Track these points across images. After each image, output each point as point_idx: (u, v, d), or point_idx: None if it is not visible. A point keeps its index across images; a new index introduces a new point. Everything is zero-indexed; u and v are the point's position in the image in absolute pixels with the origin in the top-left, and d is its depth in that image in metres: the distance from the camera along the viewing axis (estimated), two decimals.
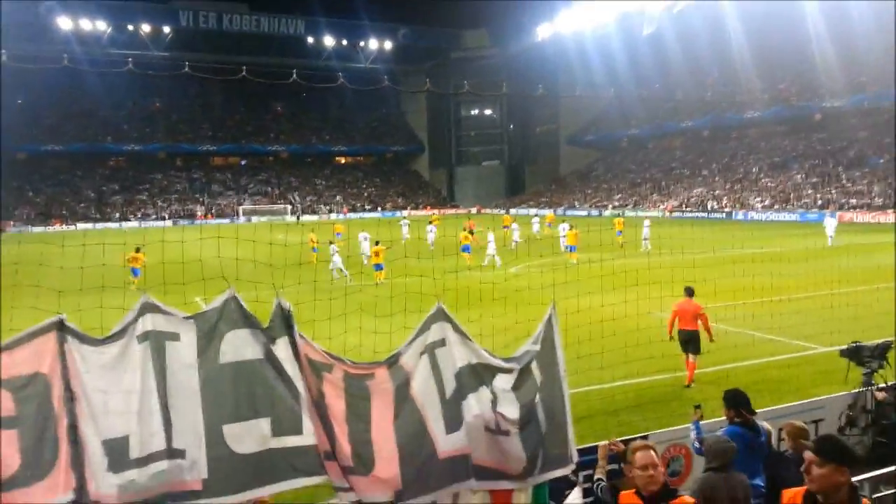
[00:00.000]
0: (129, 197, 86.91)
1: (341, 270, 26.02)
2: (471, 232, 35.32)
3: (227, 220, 79.17)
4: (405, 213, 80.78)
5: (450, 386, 4.49)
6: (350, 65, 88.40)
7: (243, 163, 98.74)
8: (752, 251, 20.66)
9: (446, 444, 4.41)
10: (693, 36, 75.06)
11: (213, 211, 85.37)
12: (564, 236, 32.76)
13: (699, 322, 11.51)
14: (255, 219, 79.98)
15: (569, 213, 72.12)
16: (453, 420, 4.45)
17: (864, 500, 3.49)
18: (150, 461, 3.82)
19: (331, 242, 27.70)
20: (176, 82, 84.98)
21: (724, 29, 71.74)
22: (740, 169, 72.11)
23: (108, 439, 3.75)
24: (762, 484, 5.53)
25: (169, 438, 3.87)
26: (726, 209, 63.49)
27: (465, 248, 29.00)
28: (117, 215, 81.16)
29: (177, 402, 3.92)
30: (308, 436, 4.16)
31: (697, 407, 6.50)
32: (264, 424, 4.07)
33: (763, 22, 71.86)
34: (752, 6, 69.30)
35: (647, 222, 34.82)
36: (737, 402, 5.95)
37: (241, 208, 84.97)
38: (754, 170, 70.36)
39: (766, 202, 62.09)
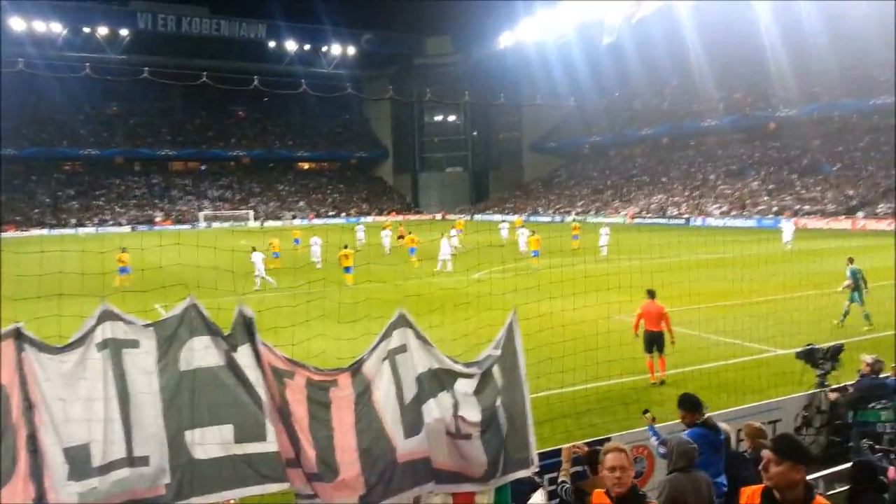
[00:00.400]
0: (86, 202, 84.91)
1: (265, 279, 25.30)
2: (400, 237, 36.96)
3: (187, 226, 77.85)
4: (366, 219, 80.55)
5: (410, 391, 4.52)
6: (312, 69, 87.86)
7: (203, 168, 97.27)
8: (709, 256, 21.08)
9: (405, 447, 4.44)
10: (651, 46, 76.53)
11: (172, 217, 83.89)
12: (526, 242, 33.35)
13: (663, 323, 11.97)
14: (216, 224, 78.84)
15: (532, 219, 72.70)
16: (412, 424, 4.48)
17: (819, 496, 3.62)
18: (112, 468, 3.79)
19: (253, 249, 25.95)
20: (134, 86, 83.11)
21: (682, 39, 73.25)
22: (698, 176, 73.66)
23: (69, 447, 3.70)
24: (724, 482, 5.69)
25: (130, 446, 3.85)
26: (685, 215, 64.73)
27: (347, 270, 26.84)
28: (73, 221, 79.18)
29: (137, 409, 3.89)
30: (271, 443, 4.15)
31: (646, 412, 6.63)
32: (227, 431, 4.05)
33: (719, 32, 73.69)
34: (710, 17, 70.97)
35: (605, 230, 35.38)
36: (694, 405, 6.11)
37: (201, 214, 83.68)
38: (712, 177, 71.94)
39: (724, 208, 63.48)
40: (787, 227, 36.65)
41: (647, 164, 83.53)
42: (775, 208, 58.45)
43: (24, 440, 3.63)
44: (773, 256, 19.73)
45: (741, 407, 8.24)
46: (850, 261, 16.67)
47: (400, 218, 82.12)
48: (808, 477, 3.72)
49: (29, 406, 3.66)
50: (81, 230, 74.07)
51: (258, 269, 25.36)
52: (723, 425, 6.38)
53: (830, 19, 60.88)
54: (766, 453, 3.64)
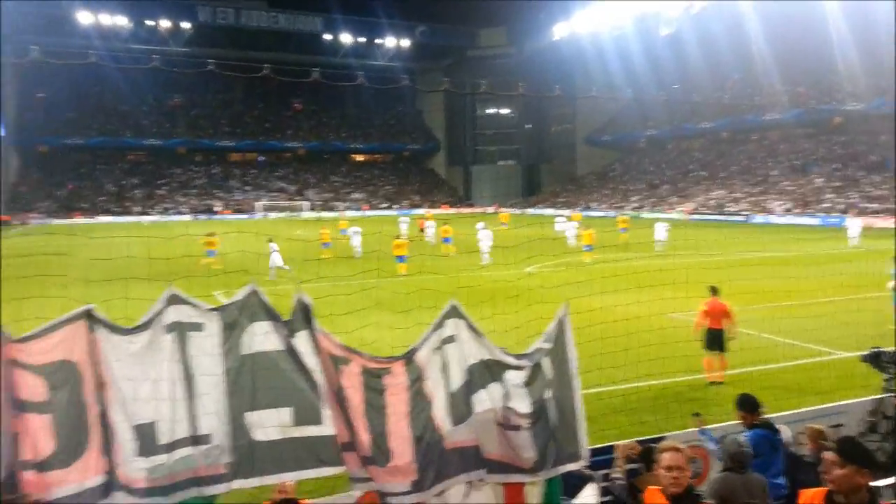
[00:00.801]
0: (149, 191, 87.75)
1: (281, 268, 24.95)
2: (420, 230, 37.39)
3: (244, 216, 79.68)
4: (417, 211, 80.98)
5: (458, 380, 4.58)
6: (367, 62, 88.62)
7: (261, 159, 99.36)
8: (769, 254, 20.49)
9: (454, 435, 4.50)
10: (712, 37, 74.51)
11: (231, 206, 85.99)
12: (575, 236, 33.32)
13: (725, 321, 11.71)
14: (272, 214, 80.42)
15: (585, 213, 71.88)
16: (460, 413, 4.54)
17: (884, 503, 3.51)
18: (177, 446, 3.96)
19: (270, 240, 26.04)
20: (196, 78, 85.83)
21: (744, 30, 71.12)
22: (760, 172, 71.51)
23: (137, 425, 3.89)
24: (784, 483, 5.56)
25: (194, 425, 4.02)
26: (745, 212, 63.00)
27: (400, 259, 26.99)
28: (137, 209, 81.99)
29: (201, 390, 4.05)
30: (327, 426, 4.27)
31: (696, 415, 6.49)
32: (285, 413, 4.19)
33: (783, 23, 71.17)
34: (773, 7, 68.69)
35: (663, 224, 34.76)
36: (753, 406, 5.98)
37: (258, 204, 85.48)
38: (774, 173, 69.75)
39: (786, 205, 61.53)
40: (853, 225, 35.31)
41: (706, 159, 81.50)
42: (840, 206, 56.29)
43: (97, 417, 3.83)
44: (837, 255, 19.04)
45: (802, 410, 8.01)
46: None
47: (442, 210, 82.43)
48: (873, 484, 3.61)
49: (100, 384, 3.85)
50: (145, 218, 76.65)
51: (272, 260, 25.12)
52: (782, 428, 6.23)
53: None
54: (829, 455, 3.54)
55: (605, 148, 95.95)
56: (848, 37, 61.94)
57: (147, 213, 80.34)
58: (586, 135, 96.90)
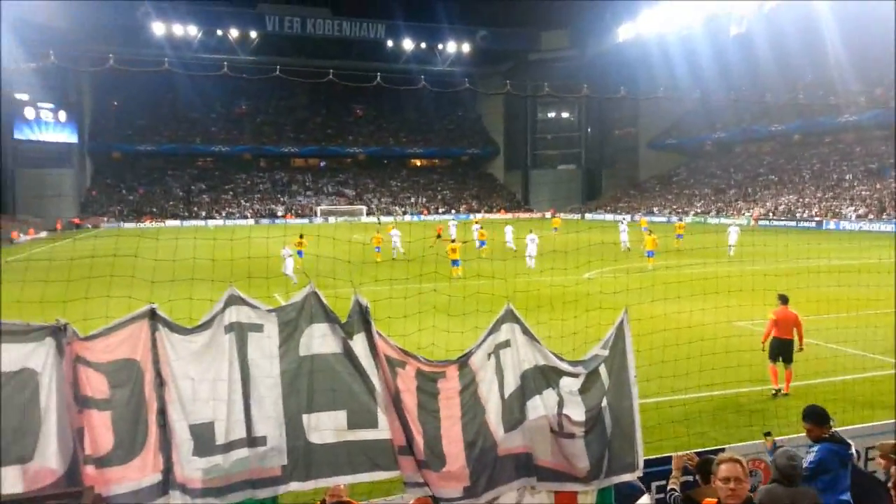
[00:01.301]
0: (215, 196, 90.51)
1: (288, 276, 24.42)
2: (438, 235, 38.45)
3: (305, 220, 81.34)
4: (477, 215, 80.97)
5: (512, 386, 4.54)
6: (428, 67, 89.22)
7: (323, 164, 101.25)
8: (842, 262, 19.66)
9: (506, 441, 4.47)
10: (784, 36, 71.94)
11: (292, 210, 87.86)
12: (628, 240, 33.17)
13: (794, 331, 11.31)
14: (331, 219, 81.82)
15: (647, 219, 70.50)
16: (513, 419, 4.50)
17: None
18: (233, 447, 4.01)
19: (284, 245, 26.01)
20: (261, 86, 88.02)
21: (818, 29, 68.44)
22: (833, 176, 68.75)
23: (195, 424, 3.95)
24: (850, 500, 5.32)
25: (250, 426, 4.05)
26: (817, 218, 60.65)
27: (455, 263, 26.75)
28: (203, 213, 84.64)
29: (259, 391, 4.10)
30: (383, 430, 4.29)
31: (768, 434, 6.24)
32: (341, 416, 4.21)
33: (858, 22, 68.16)
34: (847, 6, 65.91)
35: (734, 228, 34.08)
36: (822, 418, 5.73)
37: (318, 208, 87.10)
38: (848, 177, 66.95)
39: (861, 211, 58.95)
40: None
41: (776, 163, 78.81)
42: None
43: (155, 415, 3.91)
44: None
45: (871, 424, 7.65)
46: None
47: (499, 215, 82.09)
48: None
49: (161, 383, 3.93)
50: (210, 222, 79.09)
51: (286, 266, 24.81)
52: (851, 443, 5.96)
53: None
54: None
55: (670, 152, 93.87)
56: None
57: (212, 217, 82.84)
58: (650, 139, 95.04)
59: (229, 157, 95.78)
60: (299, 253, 28.90)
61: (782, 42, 72.43)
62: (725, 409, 10.48)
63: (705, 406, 10.43)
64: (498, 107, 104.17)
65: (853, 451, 5.74)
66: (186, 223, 77.44)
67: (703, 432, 9.02)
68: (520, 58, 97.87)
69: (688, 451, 5.42)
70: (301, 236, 29.57)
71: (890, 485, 3.44)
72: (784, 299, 11.63)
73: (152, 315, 3.96)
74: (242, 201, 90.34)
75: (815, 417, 5.75)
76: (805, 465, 5.43)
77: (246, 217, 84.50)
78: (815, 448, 5.55)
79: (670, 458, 5.44)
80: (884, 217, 55.70)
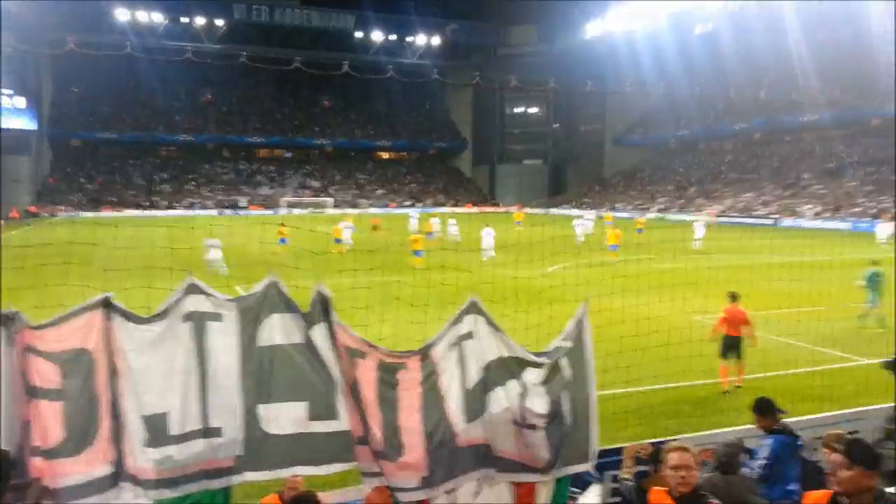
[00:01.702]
0: (178, 186, 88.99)
1: (215, 266, 23.78)
2: (374, 227, 40.23)
3: (270, 212, 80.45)
4: (440, 209, 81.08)
5: (474, 377, 4.55)
6: (397, 60, 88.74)
7: (288, 155, 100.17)
8: (795, 259, 20.18)
9: (466, 432, 4.48)
10: (749, 35, 73.24)
11: (256, 202, 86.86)
12: (583, 233, 33.99)
13: (743, 328, 11.56)
14: (296, 211, 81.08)
15: (611, 214, 71.33)
16: (474, 411, 4.51)
17: None
18: (188, 438, 3.96)
19: (210, 236, 25.38)
20: (227, 75, 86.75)
21: (782, 29, 69.79)
22: (791, 174, 70.36)
23: (148, 415, 3.88)
24: (798, 490, 5.51)
25: (206, 417, 4.01)
26: (774, 215, 62.04)
27: (417, 253, 27.16)
28: (164, 203, 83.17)
29: (215, 381, 4.05)
30: (343, 421, 4.27)
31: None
32: (300, 408, 4.18)
33: (822, 23, 69.70)
34: (811, 6, 67.36)
35: (701, 224, 35.03)
36: (768, 409, 5.93)
37: (283, 200, 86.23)
38: (806, 175, 68.59)
39: (817, 209, 60.48)
40: (883, 229, 34.84)
41: (738, 161, 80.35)
42: (872, 210, 55.18)
43: (108, 406, 3.82)
44: (865, 261, 18.70)
45: (818, 416, 7.91)
46: (874, 263, 16.44)
47: (466, 209, 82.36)
48: (891, 490, 3.58)
49: (114, 373, 3.84)
50: (171, 212, 77.72)
51: (210, 256, 24.20)
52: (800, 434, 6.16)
53: None
54: (835, 457, 3.52)
55: (635, 148, 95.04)
56: (887, 37, 60.53)
57: (173, 208, 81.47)
58: (615, 135, 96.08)
59: (193, 146, 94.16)
60: (282, 241, 30.23)
61: (747, 40, 73.81)
62: (681, 401, 10.70)
63: (661, 397, 10.64)
64: (467, 101, 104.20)
65: (801, 441, 5.94)
66: (147, 213, 75.99)
67: (661, 424, 9.20)
68: (489, 52, 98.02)
69: (641, 441, 5.54)
70: (282, 224, 30.61)
71: (828, 470, 3.59)
72: (734, 297, 11.87)
73: (106, 304, 3.88)
74: (205, 191, 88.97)
75: (762, 409, 5.95)
76: (760, 459, 5.63)
77: (208, 207, 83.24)
78: (767, 441, 5.73)
79: (623, 448, 5.56)
80: (839, 215, 57.21)
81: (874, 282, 16.13)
